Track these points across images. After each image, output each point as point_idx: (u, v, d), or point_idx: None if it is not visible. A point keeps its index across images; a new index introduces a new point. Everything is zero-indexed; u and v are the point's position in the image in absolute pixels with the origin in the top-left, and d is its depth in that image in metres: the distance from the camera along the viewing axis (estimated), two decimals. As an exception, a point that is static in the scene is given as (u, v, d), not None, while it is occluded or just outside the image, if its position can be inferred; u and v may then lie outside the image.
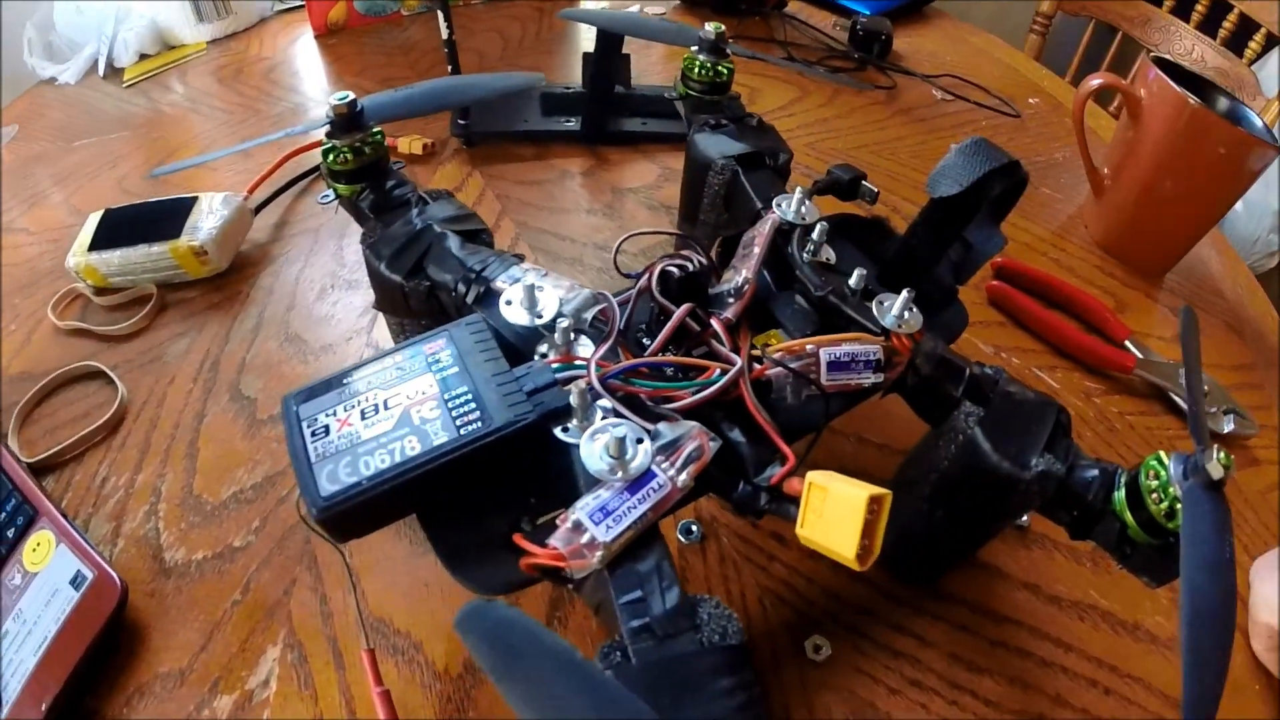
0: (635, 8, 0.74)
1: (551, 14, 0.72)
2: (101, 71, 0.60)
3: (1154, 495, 0.22)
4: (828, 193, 0.31)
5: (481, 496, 0.20)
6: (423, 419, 0.20)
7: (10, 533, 0.30)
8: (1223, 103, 0.46)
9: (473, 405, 0.20)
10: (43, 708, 0.25)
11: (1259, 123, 0.44)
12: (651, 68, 0.65)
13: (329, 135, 0.27)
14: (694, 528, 0.31)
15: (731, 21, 0.71)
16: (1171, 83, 0.42)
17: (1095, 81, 0.45)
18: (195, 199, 0.40)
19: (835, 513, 0.19)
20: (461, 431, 0.19)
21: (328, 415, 0.20)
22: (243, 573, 0.30)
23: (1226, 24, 0.92)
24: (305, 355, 0.38)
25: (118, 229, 0.40)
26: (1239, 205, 0.97)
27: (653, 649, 0.17)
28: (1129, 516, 0.22)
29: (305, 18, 0.64)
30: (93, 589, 0.28)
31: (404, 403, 0.20)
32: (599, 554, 0.18)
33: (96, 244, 0.39)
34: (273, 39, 0.65)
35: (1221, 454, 0.21)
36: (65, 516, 0.30)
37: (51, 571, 0.29)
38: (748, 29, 0.71)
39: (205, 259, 0.39)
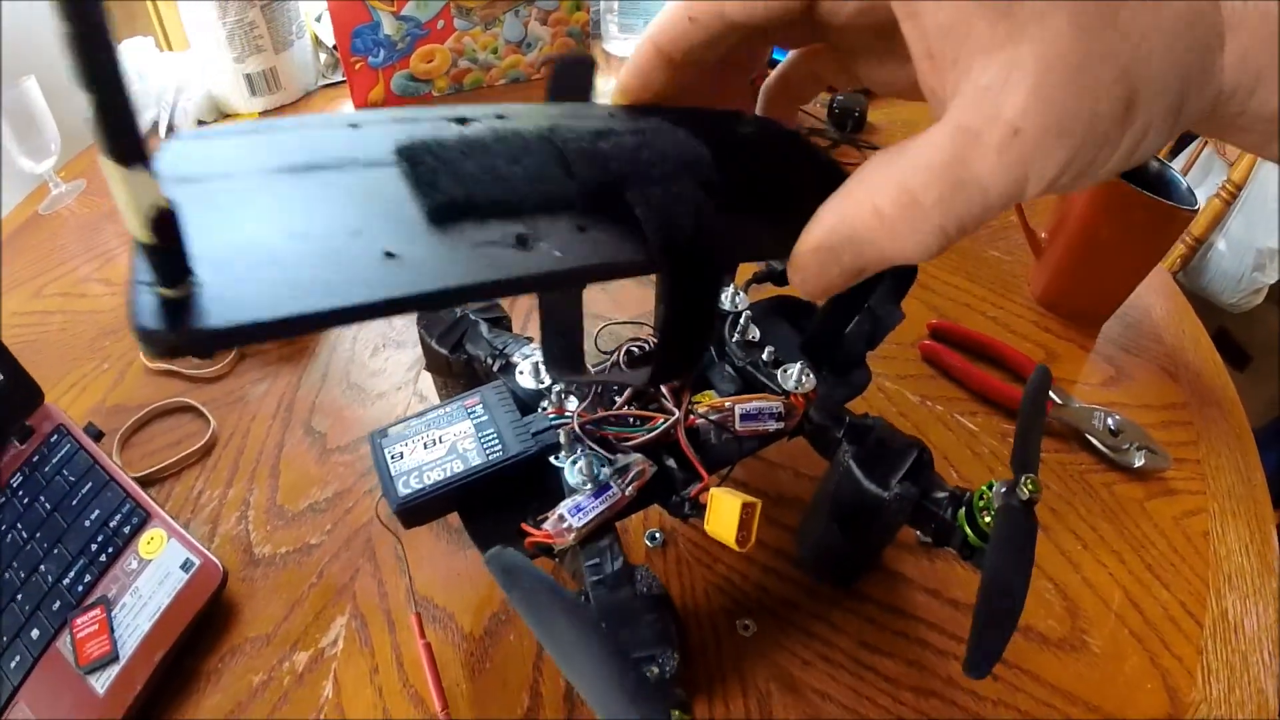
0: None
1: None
2: (162, 134, 0.81)
3: (983, 512, 0.37)
4: (767, 281, 0.48)
5: (502, 501, 0.37)
6: (464, 449, 0.37)
7: (126, 529, 0.47)
8: (1152, 165, 0.62)
9: (497, 440, 0.37)
10: (155, 660, 0.41)
11: (1183, 184, 0.60)
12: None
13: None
14: (657, 534, 0.48)
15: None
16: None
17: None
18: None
19: (724, 513, 0.35)
20: (489, 457, 0.37)
21: (401, 445, 0.37)
22: (318, 564, 0.48)
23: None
24: (364, 401, 0.57)
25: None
26: (1221, 243, 1.13)
27: (605, 595, 0.34)
28: (967, 528, 0.37)
29: (346, 92, 0.84)
30: (199, 572, 0.45)
31: (451, 438, 0.37)
32: (573, 535, 0.35)
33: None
34: (319, 111, 0.85)
35: (1030, 483, 0.35)
36: (172, 519, 0.48)
37: (164, 559, 0.46)
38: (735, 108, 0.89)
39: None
